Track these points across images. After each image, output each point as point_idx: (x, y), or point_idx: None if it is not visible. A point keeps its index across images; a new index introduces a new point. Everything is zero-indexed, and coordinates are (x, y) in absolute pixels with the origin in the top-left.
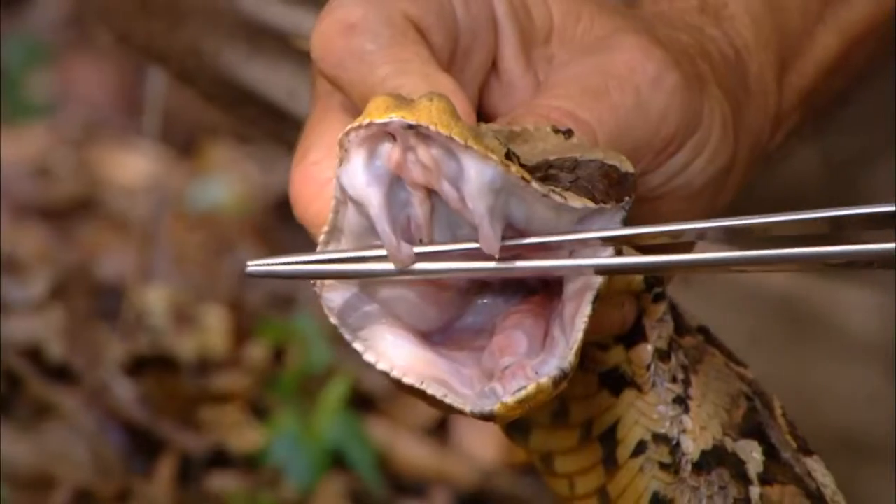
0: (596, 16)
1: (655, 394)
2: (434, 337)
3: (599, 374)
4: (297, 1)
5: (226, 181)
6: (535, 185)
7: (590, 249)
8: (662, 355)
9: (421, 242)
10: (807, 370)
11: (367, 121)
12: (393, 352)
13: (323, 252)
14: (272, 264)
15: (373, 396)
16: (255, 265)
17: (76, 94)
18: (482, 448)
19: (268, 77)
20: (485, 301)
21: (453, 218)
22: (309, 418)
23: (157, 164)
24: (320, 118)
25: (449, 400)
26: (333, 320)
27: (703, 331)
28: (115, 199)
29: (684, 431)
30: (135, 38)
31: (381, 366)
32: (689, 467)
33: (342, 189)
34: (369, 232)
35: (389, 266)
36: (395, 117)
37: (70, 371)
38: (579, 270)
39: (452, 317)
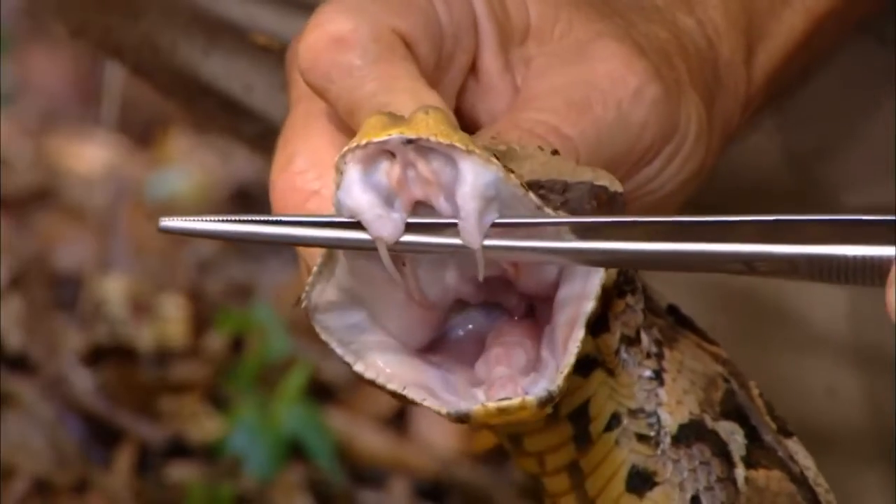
0: (574, 17)
1: (627, 374)
2: (422, 351)
3: None
4: None
5: (184, 171)
6: (531, 195)
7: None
8: (630, 341)
9: (404, 266)
10: (766, 362)
11: (364, 141)
12: (382, 360)
13: (247, 215)
14: (188, 220)
15: (332, 386)
16: (169, 220)
17: (34, 85)
18: (441, 437)
19: (224, 71)
20: (468, 317)
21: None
22: (268, 408)
23: (115, 154)
24: (304, 124)
25: (427, 402)
26: (325, 337)
27: (672, 311)
28: (73, 189)
29: (660, 405)
30: (90, 32)
31: (368, 374)
32: (668, 440)
33: (339, 209)
34: (367, 258)
35: (318, 233)
36: (394, 134)
37: (28, 361)
38: (569, 259)
39: (438, 334)
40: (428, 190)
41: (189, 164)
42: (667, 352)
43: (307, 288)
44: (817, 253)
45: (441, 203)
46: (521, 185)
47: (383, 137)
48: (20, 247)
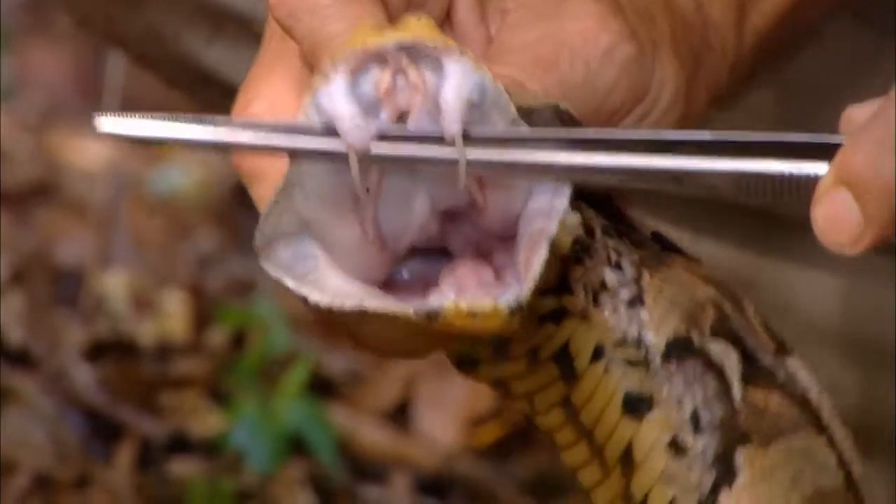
0: None
1: (599, 313)
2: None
3: (539, 316)
4: None
5: (185, 166)
6: (512, 107)
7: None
8: (596, 293)
9: (368, 192)
10: None
11: (359, 45)
12: (336, 286)
13: (198, 116)
14: (131, 119)
15: (333, 381)
16: (105, 118)
17: (34, 79)
18: (443, 432)
19: (228, 61)
20: (420, 259)
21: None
22: (269, 403)
23: (115, 149)
24: (270, 65)
25: (390, 306)
26: (277, 273)
27: (657, 238)
28: (74, 184)
29: (644, 326)
30: (94, 23)
31: (325, 300)
32: (658, 359)
33: (314, 112)
34: (340, 187)
35: (281, 140)
36: (391, 39)
37: (29, 356)
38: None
39: (390, 272)
40: (414, 98)
41: (190, 158)
42: (647, 276)
43: (260, 222)
44: (745, 169)
45: (423, 117)
46: (506, 88)
47: (378, 41)
48: (21, 242)
